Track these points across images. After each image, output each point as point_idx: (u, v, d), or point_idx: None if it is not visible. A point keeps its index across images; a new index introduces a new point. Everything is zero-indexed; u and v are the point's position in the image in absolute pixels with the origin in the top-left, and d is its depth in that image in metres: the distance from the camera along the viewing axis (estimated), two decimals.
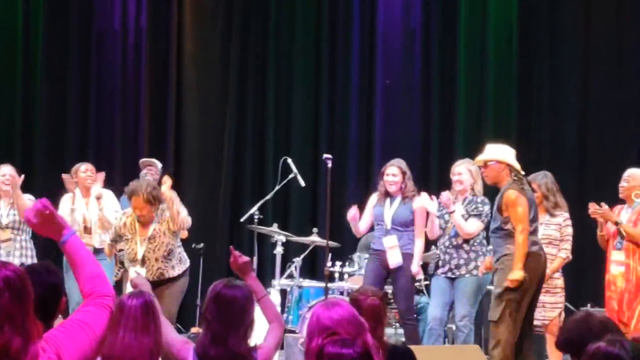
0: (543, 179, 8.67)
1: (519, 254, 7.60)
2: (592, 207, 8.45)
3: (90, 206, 9.40)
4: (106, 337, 3.53)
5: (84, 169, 9.56)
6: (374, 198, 9.07)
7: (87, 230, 9.34)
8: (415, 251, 8.79)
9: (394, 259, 8.77)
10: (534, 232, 7.78)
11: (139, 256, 8.28)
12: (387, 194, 8.91)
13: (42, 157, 12.38)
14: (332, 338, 3.65)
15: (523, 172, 7.92)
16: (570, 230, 8.68)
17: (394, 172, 8.88)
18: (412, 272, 8.76)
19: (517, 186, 7.74)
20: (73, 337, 3.05)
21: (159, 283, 8.28)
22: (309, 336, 3.93)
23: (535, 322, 8.39)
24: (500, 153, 7.92)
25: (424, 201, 8.77)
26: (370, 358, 3.61)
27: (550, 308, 8.55)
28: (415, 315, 9.13)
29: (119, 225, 8.38)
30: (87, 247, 8.99)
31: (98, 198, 9.33)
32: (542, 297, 8.33)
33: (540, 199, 8.50)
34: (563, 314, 8.61)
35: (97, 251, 9.16)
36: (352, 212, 8.92)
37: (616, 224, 8.40)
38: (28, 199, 9.28)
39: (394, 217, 8.83)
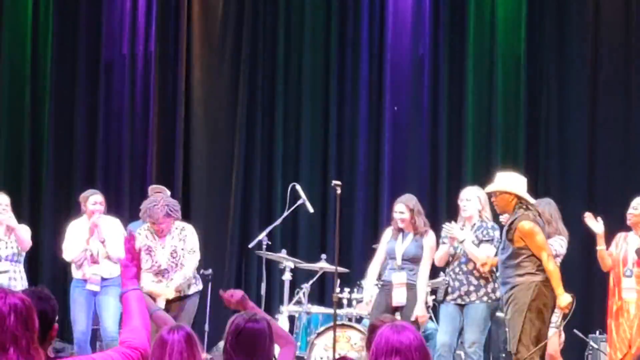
0: (547, 205, 8.67)
1: (555, 280, 7.61)
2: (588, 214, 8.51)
3: (97, 238, 9.25)
4: None
5: (93, 202, 9.37)
6: (388, 233, 9.10)
7: (93, 259, 9.21)
8: (418, 288, 8.80)
9: (398, 297, 8.79)
10: None
11: (164, 266, 8.33)
12: (400, 230, 8.96)
13: (50, 184, 12.35)
14: None
15: (533, 202, 7.91)
16: (559, 245, 8.61)
17: (401, 209, 8.92)
18: (416, 315, 8.74)
19: (529, 216, 7.73)
20: None
21: (171, 300, 8.37)
22: (374, 355, 3.92)
23: None
24: (510, 183, 7.90)
25: (429, 241, 8.85)
26: None
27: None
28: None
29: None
30: (93, 276, 8.84)
31: (102, 242, 9.23)
32: None
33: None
34: (563, 335, 8.54)
35: (105, 281, 9.14)
36: None
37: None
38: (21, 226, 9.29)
39: (405, 253, 8.87)
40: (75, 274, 9.25)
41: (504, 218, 8.24)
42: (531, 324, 7.58)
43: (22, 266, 9.29)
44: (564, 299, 7.56)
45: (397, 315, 8.94)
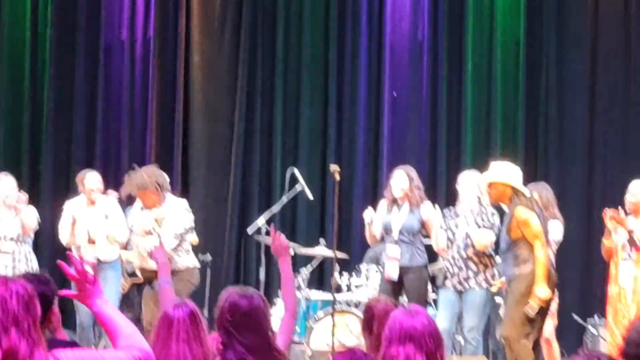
0: (543, 189, 8.65)
1: (541, 270, 7.54)
2: (611, 211, 8.40)
3: (95, 217, 9.24)
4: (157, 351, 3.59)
5: (90, 181, 9.35)
6: (382, 204, 9.02)
7: (90, 241, 9.20)
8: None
9: (390, 271, 8.73)
10: None
11: (149, 227, 8.33)
12: (394, 201, 8.88)
13: (49, 168, 12.35)
14: None
15: (528, 193, 7.88)
16: (557, 231, 8.60)
17: (401, 177, 8.84)
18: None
19: (527, 204, 7.72)
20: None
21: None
22: (387, 340, 3.91)
23: None
24: (504, 174, 7.86)
25: (427, 211, 8.77)
26: None
27: None
28: None
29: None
30: (89, 262, 8.90)
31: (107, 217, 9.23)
32: None
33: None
34: (556, 320, 8.53)
35: (101, 265, 9.09)
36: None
37: (630, 232, 8.38)
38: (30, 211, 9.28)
39: (403, 225, 8.81)
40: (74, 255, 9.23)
41: None
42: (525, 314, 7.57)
43: (29, 247, 9.26)
44: (544, 290, 7.49)
45: (403, 299, 8.92)
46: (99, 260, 9.09)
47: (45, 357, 3.02)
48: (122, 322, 3.25)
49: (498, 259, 8.33)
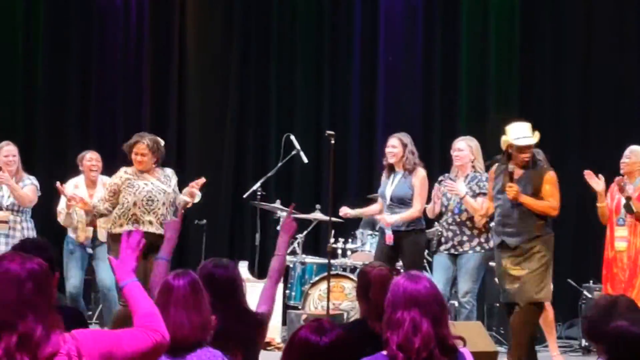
0: (536, 155, 8.64)
1: (540, 203, 7.68)
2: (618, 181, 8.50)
3: (94, 198, 9.12)
4: None
5: (89, 158, 9.34)
6: (384, 176, 9.04)
7: (91, 222, 9.15)
8: (403, 214, 8.70)
9: (389, 237, 8.74)
10: None
11: (148, 195, 8.23)
12: (391, 169, 8.89)
13: (44, 136, 12.28)
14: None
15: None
16: None
17: (393, 143, 8.83)
18: (383, 220, 8.69)
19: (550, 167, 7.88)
20: (99, 341, 3.10)
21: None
22: (391, 305, 3.93)
23: None
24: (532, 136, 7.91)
25: (417, 178, 8.75)
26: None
27: None
28: None
29: (115, 181, 8.32)
30: (86, 239, 8.76)
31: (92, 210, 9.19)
32: None
33: None
34: (551, 285, 8.55)
35: (102, 243, 9.13)
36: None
37: (628, 198, 8.41)
38: (27, 178, 9.21)
39: (392, 193, 8.81)
40: (70, 232, 9.24)
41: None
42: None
43: (27, 217, 9.19)
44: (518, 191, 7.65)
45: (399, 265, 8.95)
46: (99, 241, 9.11)
47: (62, 339, 3.02)
48: (144, 302, 3.27)
49: (492, 223, 8.34)
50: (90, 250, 9.18)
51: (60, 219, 9.18)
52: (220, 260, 4.81)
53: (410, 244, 8.71)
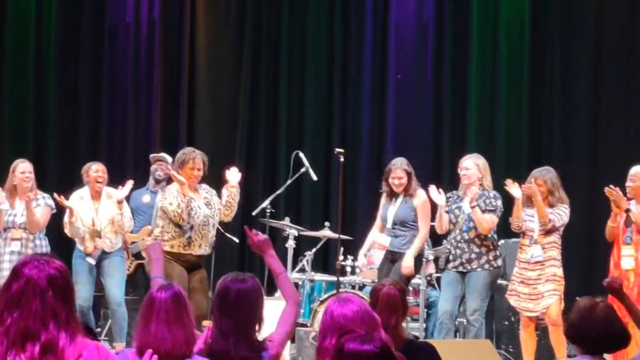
0: (548, 174, 8.62)
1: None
2: (610, 188, 8.43)
3: (100, 210, 9.19)
4: (138, 331, 3.63)
5: (95, 169, 9.28)
6: (384, 197, 9.07)
7: (96, 233, 9.15)
8: (415, 245, 8.74)
9: (376, 259, 8.76)
10: None
11: (203, 215, 8.34)
12: (392, 193, 8.92)
13: (54, 154, 12.31)
14: (351, 335, 3.64)
15: None
16: (565, 214, 8.58)
17: (399, 175, 8.84)
18: (402, 267, 8.67)
19: None
20: None
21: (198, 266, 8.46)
22: (322, 333, 3.94)
23: (537, 314, 8.42)
24: None
25: (432, 194, 8.76)
26: (390, 353, 3.61)
27: (549, 296, 8.48)
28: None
29: (176, 209, 8.34)
30: (95, 250, 8.91)
31: (119, 202, 9.15)
32: (540, 287, 8.36)
33: (545, 194, 8.50)
34: (563, 303, 8.55)
35: (107, 254, 9.15)
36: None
37: (627, 210, 8.38)
38: (42, 197, 9.20)
39: (395, 216, 8.84)
40: (78, 245, 9.25)
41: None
42: None
43: (41, 234, 9.12)
44: None
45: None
46: (104, 252, 9.12)
47: (83, 344, 3.03)
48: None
49: (502, 241, 8.35)
50: (92, 261, 9.12)
51: (66, 230, 9.19)
52: (241, 275, 4.66)
53: (398, 267, 8.73)
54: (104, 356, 3.08)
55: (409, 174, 8.83)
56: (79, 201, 9.20)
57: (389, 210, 8.89)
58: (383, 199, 9.04)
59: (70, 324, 3.03)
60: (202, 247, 8.44)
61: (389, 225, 8.84)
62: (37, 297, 3.02)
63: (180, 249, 8.36)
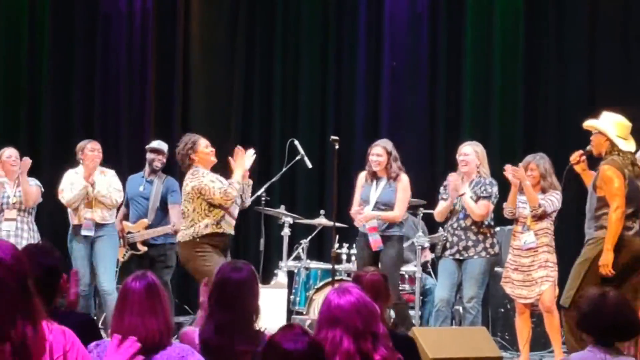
0: (541, 159, 8.61)
1: (611, 234, 7.26)
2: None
3: (95, 185, 9.27)
4: (113, 322, 3.60)
5: (91, 148, 9.37)
6: (362, 177, 9.03)
7: (89, 204, 9.22)
8: (382, 213, 8.70)
9: (375, 242, 8.73)
10: (633, 214, 7.44)
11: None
12: (374, 175, 8.89)
13: (48, 138, 12.33)
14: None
15: (625, 149, 7.53)
16: (557, 200, 8.54)
17: (378, 152, 8.85)
18: (361, 214, 8.66)
19: (616, 162, 7.42)
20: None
21: None
22: (318, 324, 3.94)
23: (531, 301, 8.41)
24: (604, 124, 7.64)
25: (401, 184, 8.75)
26: (321, 352, 3.53)
27: (542, 282, 8.45)
28: (401, 297, 9.09)
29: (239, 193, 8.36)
30: (88, 220, 9.00)
31: (91, 184, 9.24)
32: (534, 274, 8.34)
33: (537, 179, 8.48)
34: (557, 289, 8.52)
35: (100, 226, 9.19)
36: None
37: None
38: (32, 180, 9.33)
39: (378, 199, 8.81)
40: (72, 220, 9.28)
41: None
42: (591, 281, 7.17)
43: (32, 218, 9.35)
44: (606, 257, 7.24)
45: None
46: (96, 224, 9.15)
47: (49, 329, 3.00)
48: None
49: (497, 228, 8.34)
50: (87, 233, 9.16)
51: (63, 197, 9.23)
52: (237, 263, 4.67)
53: (389, 248, 8.70)
54: (69, 340, 3.03)
55: (389, 154, 8.80)
56: (74, 175, 9.31)
57: (370, 191, 8.86)
58: (361, 179, 9.00)
59: (32, 313, 2.94)
60: (231, 227, 8.38)
61: (370, 206, 8.81)
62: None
63: (231, 229, 8.33)
